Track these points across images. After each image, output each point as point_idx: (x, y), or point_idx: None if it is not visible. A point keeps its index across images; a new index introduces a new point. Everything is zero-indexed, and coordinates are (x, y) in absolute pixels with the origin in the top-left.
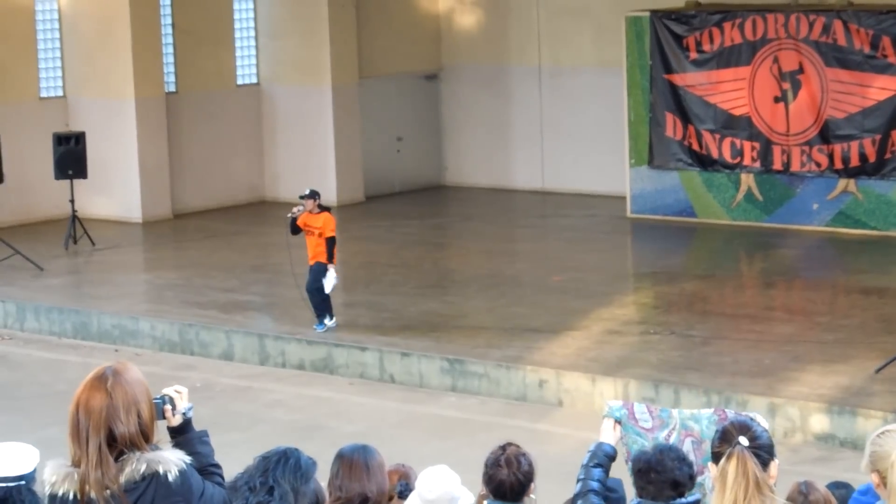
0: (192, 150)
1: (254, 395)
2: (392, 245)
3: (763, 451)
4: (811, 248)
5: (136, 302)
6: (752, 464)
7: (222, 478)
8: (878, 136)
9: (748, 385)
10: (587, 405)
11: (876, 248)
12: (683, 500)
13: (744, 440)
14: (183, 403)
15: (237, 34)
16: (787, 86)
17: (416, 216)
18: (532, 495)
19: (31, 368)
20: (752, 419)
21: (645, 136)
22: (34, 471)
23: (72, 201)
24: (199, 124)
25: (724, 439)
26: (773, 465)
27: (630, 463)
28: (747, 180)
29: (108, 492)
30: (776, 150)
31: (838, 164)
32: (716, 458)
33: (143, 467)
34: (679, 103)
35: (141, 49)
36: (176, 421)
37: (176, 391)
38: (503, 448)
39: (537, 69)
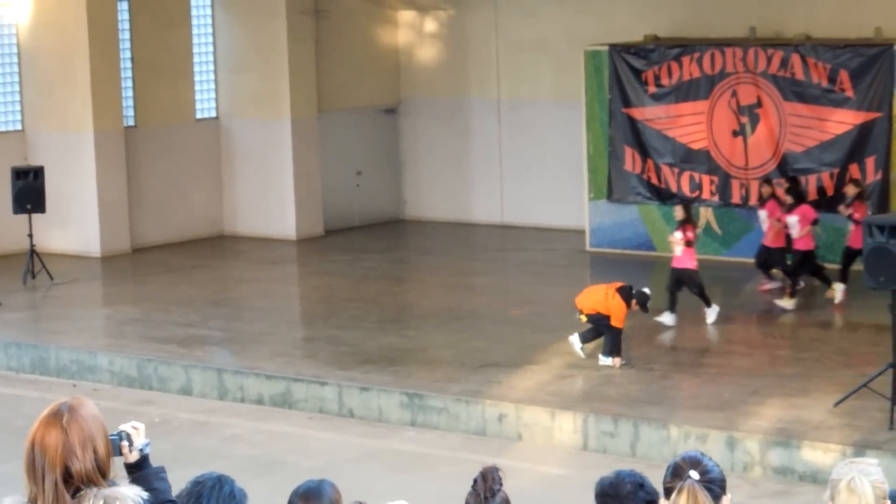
0: (151, 185)
1: (212, 430)
2: (351, 279)
3: (715, 486)
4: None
5: (95, 337)
6: (703, 496)
7: None
8: (836, 170)
9: (707, 419)
10: (547, 439)
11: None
12: None
13: (694, 474)
14: (140, 439)
15: (196, 68)
16: (745, 120)
17: (375, 250)
18: None
19: None
20: (703, 454)
21: (604, 170)
22: None
23: (30, 236)
24: (158, 158)
25: (676, 474)
26: (726, 500)
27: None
28: (706, 214)
29: None
30: (735, 184)
31: None
32: (667, 493)
33: (100, 503)
34: (638, 137)
35: (100, 83)
36: (133, 457)
37: (133, 427)
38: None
39: (496, 102)
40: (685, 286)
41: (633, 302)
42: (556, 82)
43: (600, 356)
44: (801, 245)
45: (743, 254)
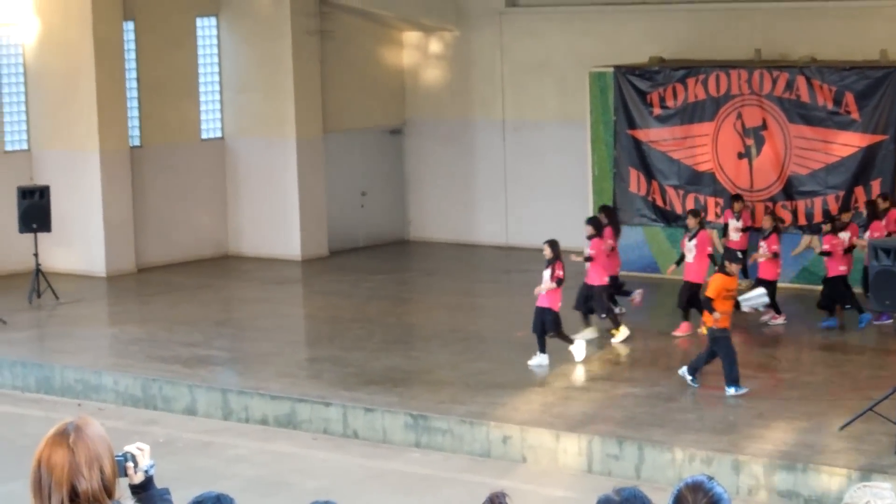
0: (156, 204)
1: (217, 450)
2: (356, 300)
3: None
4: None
5: (100, 356)
6: None
7: None
8: (841, 193)
9: (712, 442)
10: (551, 462)
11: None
12: None
13: None
14: (145, 461)
15: (202, 88)
16: (750, 142)
17: (380, 271)
18: None
19: None
20: (709, 478)
21: (609, 192)
22: None
23: (36, 255)
24: (163, 178)
25: None
26: None
27: None
28: (711, 236)
29: None
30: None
31: (802, 221)
32: None
33: None
34: (643, 159)
35: (106, 103)
36: (138, 478)
37: (138, 448)
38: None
39: (501, 123)
40: (544, 325)
41: (727, 265)
42: (560, 104)
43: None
44: (592, 280)
45: (748, 276)
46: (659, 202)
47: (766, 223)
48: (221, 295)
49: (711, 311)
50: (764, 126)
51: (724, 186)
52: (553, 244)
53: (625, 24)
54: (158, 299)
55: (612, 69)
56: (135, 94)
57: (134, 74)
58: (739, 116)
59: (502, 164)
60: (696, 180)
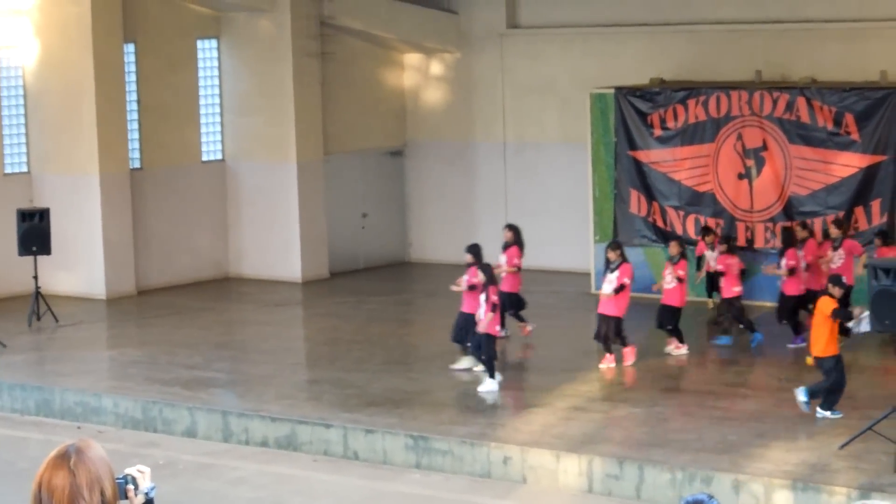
0: (156, 227)
1: (217, 472)
2: (356, 321)
3: None
4: (775, 324)
5: (100, 379)
6: None
7: None
8: (841, 213)
9: (712, 461)
10: (551, 482)
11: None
12: None
13: None
14: (145, 483)
15: (203, 110)
16: (750, 163)
17: (380, 292)
18: None
19: None
20: (709, 497)
21: (609, 213)
22: None
23: (35, 278)
24: (163, 200)
25: None
26: None
27: None
28: (711, 257)
29: None
30: (740, 227)
31: None
32: None
33: None
34: (643, 180)
35: (106, 125)
36: (138, 501)
37: (139, 471)
38: None
39: (502, 145)
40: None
41: (831, 287)
42: (561, 125)
43: (818, 409)
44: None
45: (748, 296)
46: (659, 223)
47: (673, 249)
48: (222, 317)
49: (849, 318)
50: (764, 147)
51: (725, 207)
52: (487, 268)
53: (625, 46)
54: (158, 321)
55: (612, 90)
56: (135, 116)
57: (134, 97)
58: (740, 137)
59: (503, 186)
60: (696, 201)
